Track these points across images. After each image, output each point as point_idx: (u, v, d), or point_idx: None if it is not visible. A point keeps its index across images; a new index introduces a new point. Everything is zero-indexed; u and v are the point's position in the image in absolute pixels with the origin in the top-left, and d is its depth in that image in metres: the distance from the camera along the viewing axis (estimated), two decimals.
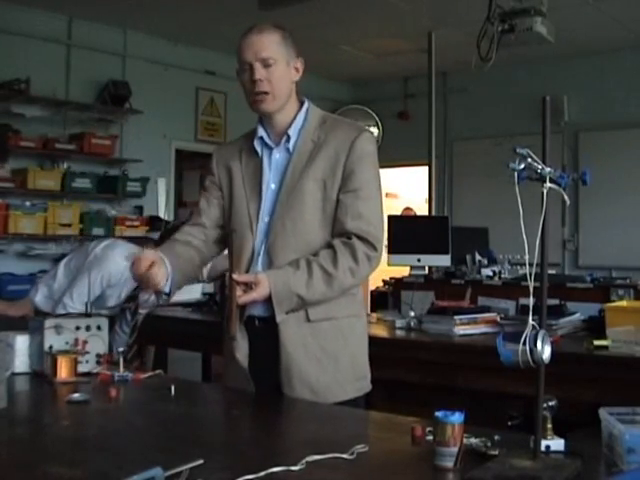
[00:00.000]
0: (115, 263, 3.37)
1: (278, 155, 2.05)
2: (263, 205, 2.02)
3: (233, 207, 2.07)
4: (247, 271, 1.98)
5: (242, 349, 1.98)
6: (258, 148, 2.06)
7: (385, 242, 2.16)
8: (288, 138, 2.03)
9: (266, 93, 1.97)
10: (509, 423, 2.68)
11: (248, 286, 1.88)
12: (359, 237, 1.95)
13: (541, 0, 4.62)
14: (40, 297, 3.59)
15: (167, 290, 1.99)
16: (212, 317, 3.93)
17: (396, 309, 4.33)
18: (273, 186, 2.03)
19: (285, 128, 2.04)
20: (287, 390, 1.95)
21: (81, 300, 3.35)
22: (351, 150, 1.98)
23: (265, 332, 1.95)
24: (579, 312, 3.35)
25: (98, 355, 2.21)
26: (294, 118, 2.05)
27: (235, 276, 1.89)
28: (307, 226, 1.97)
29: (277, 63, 1.97)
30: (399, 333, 3.41)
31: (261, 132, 2.06)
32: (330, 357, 1.97)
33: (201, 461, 1.26)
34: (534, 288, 1.31)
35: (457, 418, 1.33)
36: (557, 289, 4.10)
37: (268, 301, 1.90)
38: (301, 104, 2.08)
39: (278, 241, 1.97)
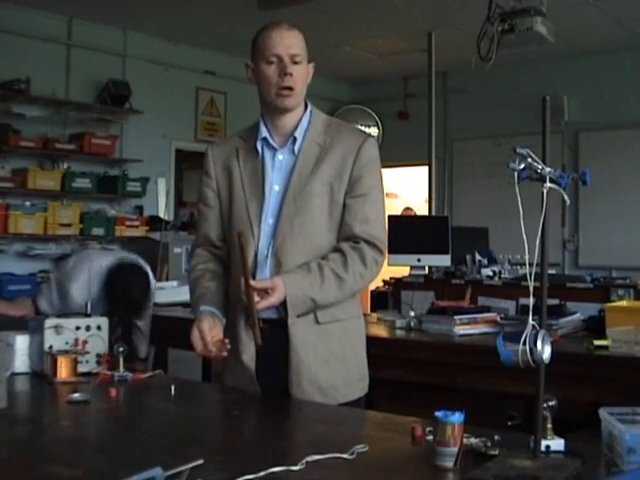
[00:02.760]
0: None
1: (282, 157, 2.03)
2: (266, 207, 2.00)
3: (232, 209, 2.05)
4: (253, 274, 1.97)
5: (249, 351, 1.96)
6: (259, 148, 2.04)
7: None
8: (294, 140, 2.02)
9: (291, 89, 1.97)
10: (509, 423, 2.69)
11: (263, 291, 1.88)
12: (367, 241, 1.97)
13: (541, 0, 4.62)
14: (44, 305, 3.60)
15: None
16: None
17: (396, 309, 4.33)
18: (277, 188, 2.01)
19: (290, 129, 2.03)
20: (296, 391, 1.94)
21: None
22: (358, 155, 1.99)
23: (273, 334, 1.94)
24: (579, 312, 3.35)
25: (98, 355, 2.21)
26: (299, 120, 2.04)
27: (253, 283, 1.88)
28: (315, 229, 1.98)
29: (302, 62, 1.99)
30: (399, 333, 3.41)
31: (264, 132, 2.03)
32: (337, 358, 1.99)
33: (201, 461, 1.26)
34: (534, 288, 1.31)
35: (457, 418, 1.33)
36: (557, 289, 4.10)
37: (280, 304, 1.91)
38: (304, 106, 2.07)
39: (287, 243, 1.96)
